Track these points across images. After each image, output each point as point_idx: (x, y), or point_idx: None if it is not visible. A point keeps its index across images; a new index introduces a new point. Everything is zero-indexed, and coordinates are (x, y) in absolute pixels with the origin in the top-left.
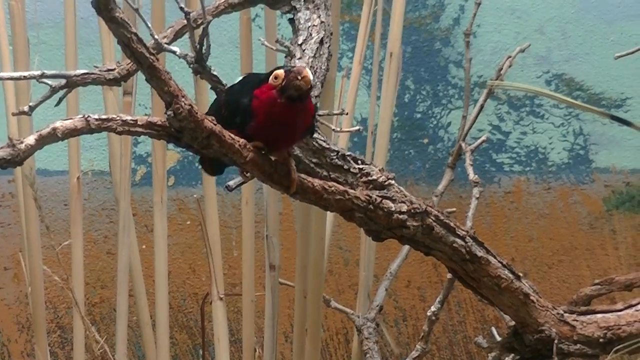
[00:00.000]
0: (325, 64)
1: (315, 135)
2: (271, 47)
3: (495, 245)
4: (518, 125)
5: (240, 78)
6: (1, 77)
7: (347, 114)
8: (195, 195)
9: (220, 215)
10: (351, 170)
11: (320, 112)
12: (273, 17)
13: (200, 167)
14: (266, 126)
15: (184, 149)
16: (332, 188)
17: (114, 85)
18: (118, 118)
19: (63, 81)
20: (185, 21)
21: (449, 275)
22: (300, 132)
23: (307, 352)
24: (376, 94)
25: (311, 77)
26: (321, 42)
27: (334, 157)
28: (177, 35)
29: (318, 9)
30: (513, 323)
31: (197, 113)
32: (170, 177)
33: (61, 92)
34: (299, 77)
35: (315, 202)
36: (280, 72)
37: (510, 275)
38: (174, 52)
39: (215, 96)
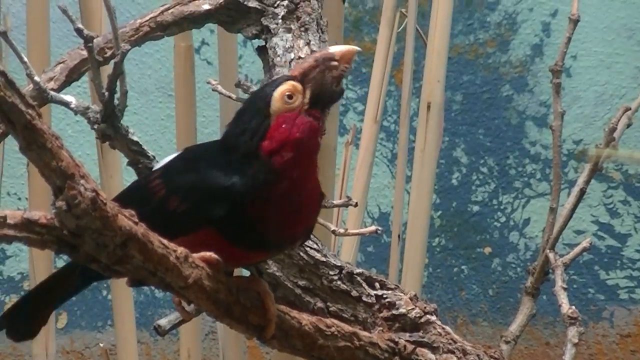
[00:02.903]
0: None
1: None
2: (228, 95)
3: None
4: None
5: (176, 155)
6: None
7: (355, 205)
8: (101, 345)
9: None
10: (364, 299)
11: None
12: (231, 44)
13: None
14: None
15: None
16: (332, 329)
17: None
18: None
19: None
20: (84, 52)
21: None
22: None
23: None
24: (404, 173)
25: (354, 48)
26: None
27: (335, 278)
28: (72, 75)
29: (306, 30)
30: None
31: (105, 204)
32: (62, 314)
33: None
34: (334, 62)
35: (303, 352)
36: (290, 84)
37: None
38: (66, 104)
39: (134, 177)
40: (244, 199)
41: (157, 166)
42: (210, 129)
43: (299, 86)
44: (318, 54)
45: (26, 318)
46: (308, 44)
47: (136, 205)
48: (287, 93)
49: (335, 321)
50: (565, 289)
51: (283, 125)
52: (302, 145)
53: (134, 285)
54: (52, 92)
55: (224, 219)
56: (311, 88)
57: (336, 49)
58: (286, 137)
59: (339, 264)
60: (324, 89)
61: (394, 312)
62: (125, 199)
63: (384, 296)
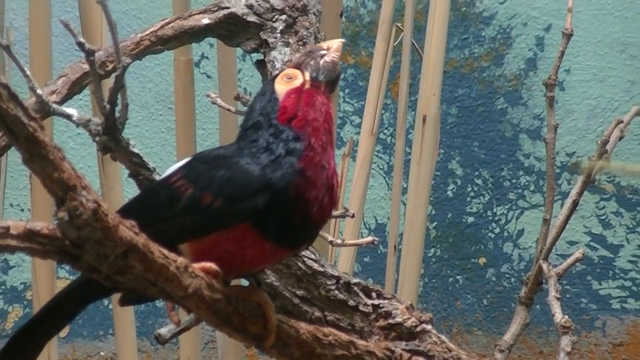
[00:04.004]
0: None
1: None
2: (227, 108)
3: None
4: (634, 233)
5: (186, 161)
6: None
7: (352, 216)
8: (102, 353)
9: None
10: (361, 308)
11: None
12: (230, 58)
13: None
14: (315, 128)
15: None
16: (330, 338)
17: None
18: None
19: None
20: (85, 66)
21: None
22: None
23: None
24: (400, 184)
25: (340, 40)
26: None
27: (333, 288)
28: (74, 88)
29: (304, 44)
30: None
31: (106, 215)
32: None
33: None
34: (323, 51)
35: None
36: (288, 70)
37: None
38: (68, 117)
39: (135, 189)
40: (281, 183)
41: (163, 175)
42: (210, 141)
43: (295, 70)
44: (308, 47)
45: (26, 350)
46: (291, 61)
47: (159, 207)
48: (286, 75)
49: (333, 330)
50: (558, 298)
51: (292, 96)
52: (314, 107)
53: (125, 305)
54: (54, 105)
55: (261, 211)
56: (309, 70)
57: (324, 44)
58: (298, 103)
59: (336, 274)
60: (322, 70)
61: (390, 321)
62: (142, 204)
63: (381, 306)
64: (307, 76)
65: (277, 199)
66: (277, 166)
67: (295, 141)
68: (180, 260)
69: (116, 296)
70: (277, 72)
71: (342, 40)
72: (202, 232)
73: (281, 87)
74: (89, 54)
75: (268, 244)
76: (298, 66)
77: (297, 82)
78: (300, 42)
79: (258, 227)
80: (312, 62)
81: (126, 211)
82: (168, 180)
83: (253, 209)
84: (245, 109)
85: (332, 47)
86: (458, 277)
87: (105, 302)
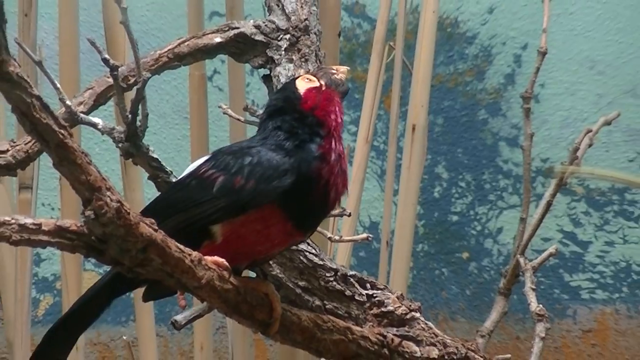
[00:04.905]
0: None
1: (303, 246)
2: (237, 118)
3: None
4: (602, 231)
5: (207, 158)
6: None
7: (349, 215)
8: (124, 337)
9: None
10: (356, 297)
11: None
12: (240, 73)
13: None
14: (330, 155)
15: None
16: (328, 324)
17: (5, 175)
18: (13, 221)
19: None
20: (110, 79)
21: None
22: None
23: None
24: (392, 187)
25: (345, 67)
26: None
27: (331, 279)
28: (99, 100)
29: (306, 61)
30: None
31: (128, 214)
32: None
33: None
34: (333, 71)
35: (303, 344)
36: (309, 76)
37: None
38: (94, 126)
39: (154, 190)
40: (305, 165)
41: (183, 174)
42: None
43: (312, 77)
44: (319, 67)
45: (59, 348)
46: (308, 72)
47: (191, 196)
48: (306, 77)
49: (331, 317)
50: (533, 289)
51: (313, 91)
52: (332, 102)
53: (148, 300)
54: (81, 115)
55: (287, 192)
56: (324, 79)
57: (333, 67)
58: (318, 96)
59: (335, 267)
60: (334, 82)
61: (382, 309)
62: (171, 197)
63: (374, 295)
64: (323, 83)
65: (301, 180)
66: (301, 151)
67: (319, 126)
68: (195, 254)
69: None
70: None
71: (348, 67)
72: (236, 211)
73: (302, 84)
74: (113, 69)
75: (289, 224)
76: (314, 75)
77: (316, 84)
78: (303, 59)
79: (282, 208)
80: (325, 76)
81: (151, 208)
82: (195, 173)
83: (282, 187)
84: (253, 119)
85: (340, 70)
86: (443, 270)
87: None
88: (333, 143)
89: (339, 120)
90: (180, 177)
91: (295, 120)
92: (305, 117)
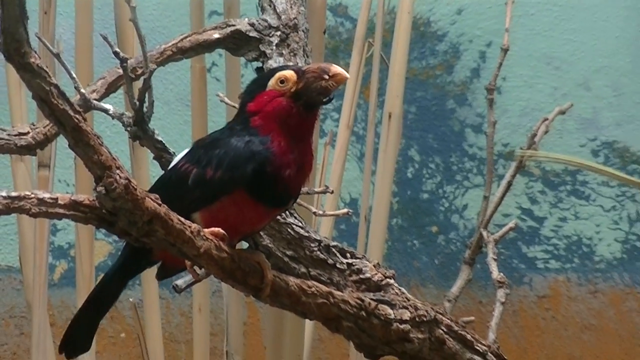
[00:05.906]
0: None
1: (290, 220)
2: (233, 105)
3: None
4: (556, 208)
5: (187, 151)
6: None
7: (332, 192)
8: (131, 299)
9: (165, 326)
10: (337, 266)
11: None
12: (236, 66)
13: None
14: (282, 152)
15: (117, 238)
16: (313, 289)
17: (26, 155)
18: (33, 196)
19: None
20: (120, 70)
21: None
22: (309, 170)
23: None
24: (370, 168)
25: (346, 75)
26: None
27: (315, 249)
28: (110, 88)
29: (295, 55)
30: None
31: (136, 189)
32: (100, 275)
33: None
34: (327, 76)
35: (290, 307)
36: (289, 72)
37: None
38: (105, 111)
39: (159, 169)
40: (262, 155)
41: (173, 162)
42: None
43: (294, 77)
44: (323, 64)
45: (83, 335)
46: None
47: (174, 189)
48: (282, 78)
49: (315, 283)
50: (495, 259)
51: (265, 97)
52: (272, 116)
53: (161, 279)
54: (94, 101)
55: (252, 179)
56: (303, 81)
57: (334, 69)
58: (262, 107)
59: (319, 238)
60: (309, 92)
61: (361, 276)
62: (159, 190)
63: (353, 264)
64: (294, 89)
65: (259, 167)
66: (255, 144)
67: (255, 130)
68: (194, 226)
69: None
70: (279, 65)
71: (347, 76)
72: (209, 200)
73: (272, 84)
74: (123, 61)
75: (260, 206)
76: (301, 74)
77: (284, 89)
78: (292, 54)
79: (249, 193)
80: (311, 80)
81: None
82: (176, 167)
83: (246, 174)
84: None
85: (336, 78)
86: (415, 242)
87: None
88: (281, 142)
89: (280, 129)
90: (167, 169)
91: (243, 117)
92: (247, 118)
